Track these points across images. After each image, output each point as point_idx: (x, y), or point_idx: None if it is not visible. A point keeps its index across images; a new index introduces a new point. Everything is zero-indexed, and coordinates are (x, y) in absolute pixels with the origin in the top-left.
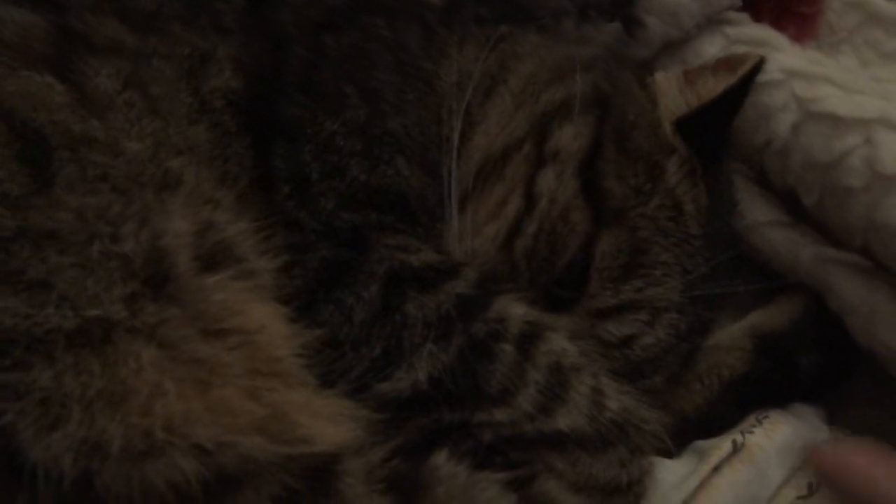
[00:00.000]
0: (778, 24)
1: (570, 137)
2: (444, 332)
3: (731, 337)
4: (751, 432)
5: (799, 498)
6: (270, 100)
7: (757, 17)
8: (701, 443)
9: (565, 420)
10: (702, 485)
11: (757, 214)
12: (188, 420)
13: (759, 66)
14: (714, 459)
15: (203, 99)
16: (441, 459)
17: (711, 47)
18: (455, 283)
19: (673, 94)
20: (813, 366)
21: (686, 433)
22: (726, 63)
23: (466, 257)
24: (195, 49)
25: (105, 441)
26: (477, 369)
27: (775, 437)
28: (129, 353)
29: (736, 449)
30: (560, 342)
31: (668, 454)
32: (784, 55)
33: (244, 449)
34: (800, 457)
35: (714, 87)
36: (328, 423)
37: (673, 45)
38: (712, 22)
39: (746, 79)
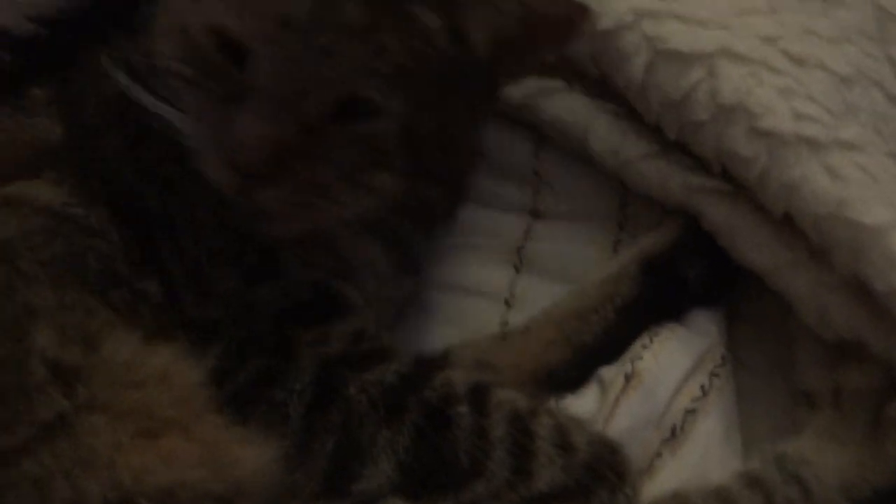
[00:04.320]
0: None
1: None
2: (396, 409)
3: (620, 265)
4: (640, 358)
5: (693, 401)
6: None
7: None
8: (603, 371)
9: (544, 477)
10: (606, 420)
11: (629, 150)
12: (145, 470)
13: None
14: (612, 395)
15: None
16: None
17: None
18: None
19: None
20: (700, 277)
21: (590, 362)
22: None
23: None
24: None
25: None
26: (439, 442)
27: (661, 355)
28: (86, 425)
29: (627, 379)
30: (506, 391)
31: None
32: None
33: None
34: (689, 365)
35: None
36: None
37: None
38: None
39: None
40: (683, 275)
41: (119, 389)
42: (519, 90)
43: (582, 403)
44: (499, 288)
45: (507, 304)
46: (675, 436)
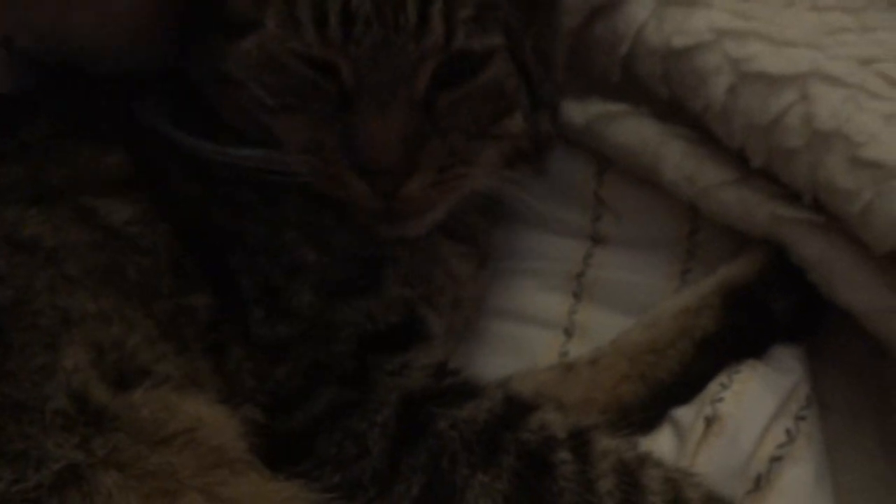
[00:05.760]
0: None
1: None
2: (491, 450)
3: (700, 296)
4: (721, 400)
5: (778, 447)
6: None
7: None
8: (678, 413)
9: None
10: None
11: (707, 178)
12: None
13: None
14: (692, 442)
15: None
16: None
17: (642, 10)
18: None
19: None
20: (786, 310)
21: (664, 400)
22: None
23: None
24: None
25: None
26: (541, 492)
27: (743, 397)
28: (99, 484)
29: (708, 423)
30: (608, 438)
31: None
32: (713, 12)
33: None
34: (774, 407)
35: None
36: None
37: (601, 11)
38: None
39: None
40: (768, 308)
41: (141, 448)
42: (582, 114)
43: (656, 447)
44: (557, 316)
45: (567, 333)
46: (759, 487)
